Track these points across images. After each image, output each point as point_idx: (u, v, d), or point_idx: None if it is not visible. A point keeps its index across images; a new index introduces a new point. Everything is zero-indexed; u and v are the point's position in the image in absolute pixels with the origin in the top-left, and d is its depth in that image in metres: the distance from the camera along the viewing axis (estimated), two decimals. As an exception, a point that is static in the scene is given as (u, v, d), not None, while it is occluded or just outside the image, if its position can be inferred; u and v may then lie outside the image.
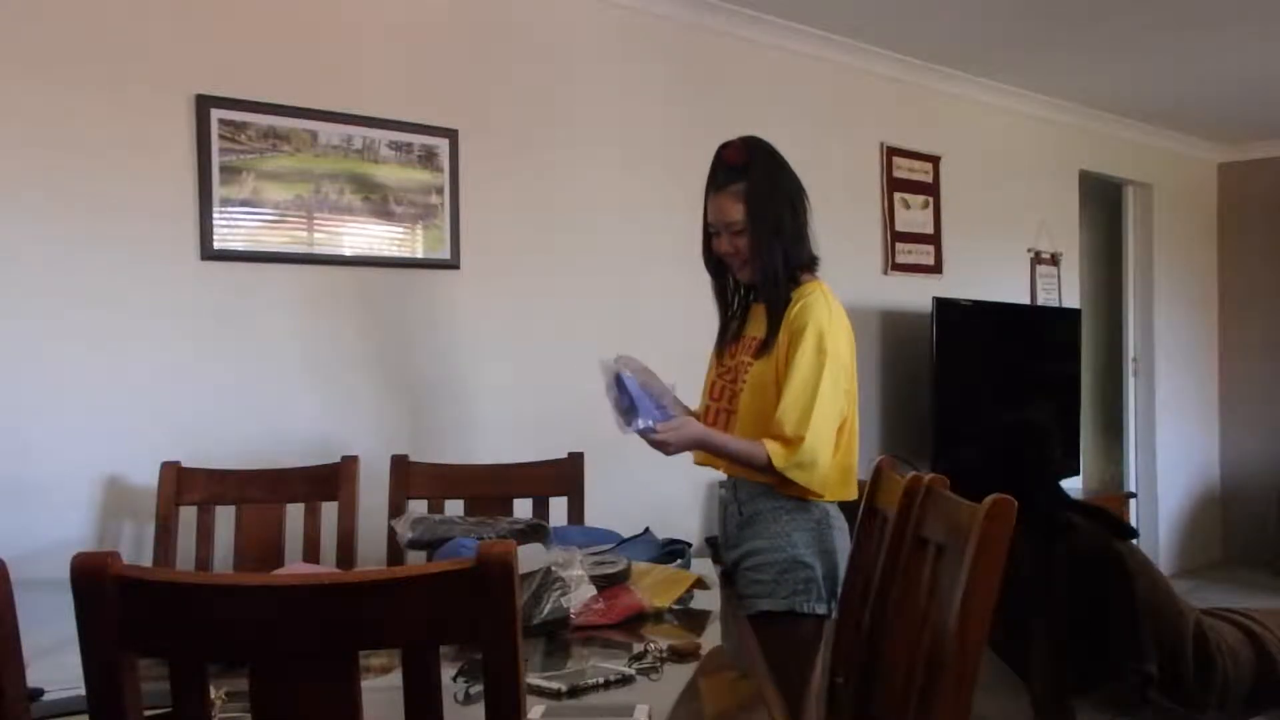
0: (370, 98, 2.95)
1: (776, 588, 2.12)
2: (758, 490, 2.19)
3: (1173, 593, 2.71)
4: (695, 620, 1.85)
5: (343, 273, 2.93)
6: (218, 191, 2.68)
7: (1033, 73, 4.83)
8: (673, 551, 2.19)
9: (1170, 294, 6.19)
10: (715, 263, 2.28)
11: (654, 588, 1.90)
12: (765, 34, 3.96)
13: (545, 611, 1.72)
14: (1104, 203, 6.21)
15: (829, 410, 2.08)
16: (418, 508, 2.47)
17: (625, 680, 1.46)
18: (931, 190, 4.71)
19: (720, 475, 2.32)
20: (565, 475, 2.62)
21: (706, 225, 2.24)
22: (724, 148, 2.20)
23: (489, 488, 2.60)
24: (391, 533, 2.49)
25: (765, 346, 2.16)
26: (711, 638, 1.75)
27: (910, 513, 1.67)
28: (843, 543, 2.15)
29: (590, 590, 1.78)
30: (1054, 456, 2.61)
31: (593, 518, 2.62)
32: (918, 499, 1.66)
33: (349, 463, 2.50)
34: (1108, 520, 2.71)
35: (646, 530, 2.32)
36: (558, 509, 2.60)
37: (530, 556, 1.85)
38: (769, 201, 2.16)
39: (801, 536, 2.12)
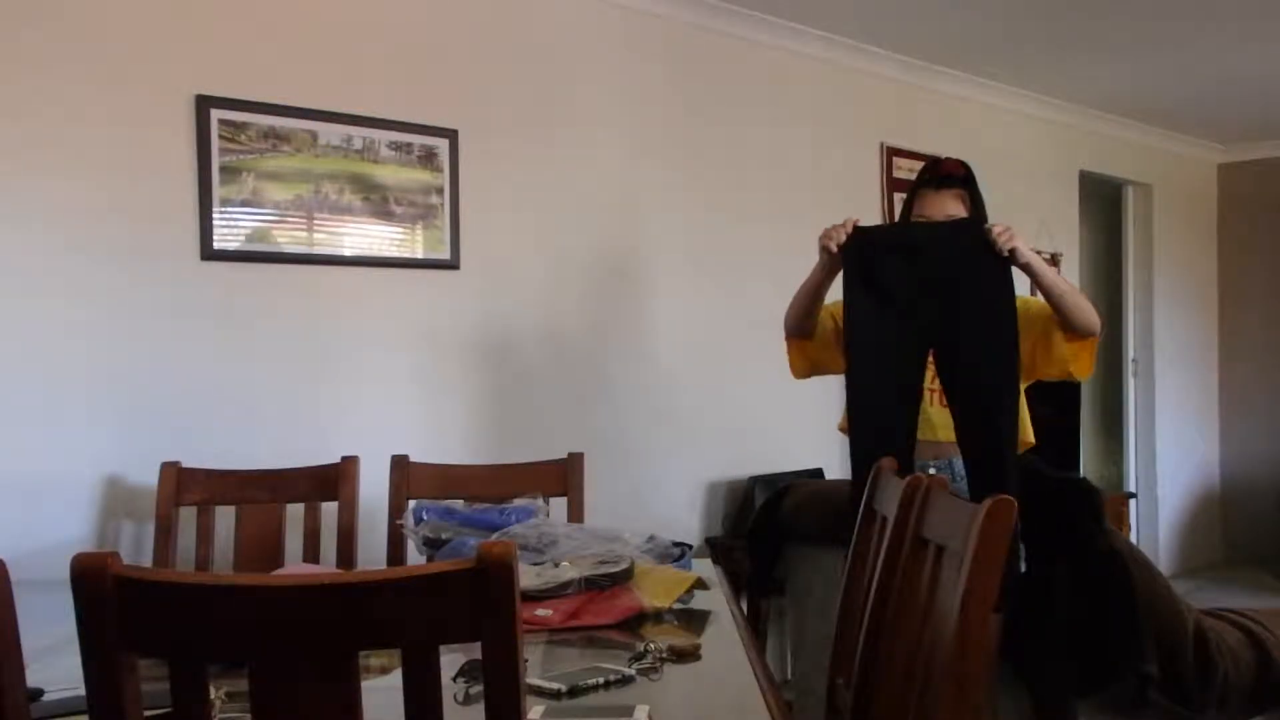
0: (370, 98, 2.95)
1: None
2: None
3: (1173, 593, 2.71)
4: (695, 620, 1.85)
5: (343, 273, 2.93)
6: (218, 191, 2.68)
7: (1033, 73, 4.83)
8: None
9: (1170, 294, 6.19)
10: None
11: (654, 588, 1.89)
12: (765, 34, 3.96)
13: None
14: (1104, 203, 6.21)
15: None
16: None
17: (625, 680, 1.46)
18: (931, 190, 4.70)
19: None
20: (565, 475, 2.62)
21: (909, 219, 2.44)
22: (944, 160, 2.46)
23: (489, 488, 2.60)
24: (391, 533, 2.49)
25: None
26: (711, 638, 1.75)
27: (910, 513, 1.67)
28: None
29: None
30: (1102, 514, 2.68)
31: (593, 518, 2.62)
32: (918, 499, 1.66)
33: (349, 463, 2.49)
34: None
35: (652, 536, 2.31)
36: (558, 509, 2.60)
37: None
38: (983, 210, 2.42)
39: None
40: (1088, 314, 2.29)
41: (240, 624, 0.98)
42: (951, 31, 4.16)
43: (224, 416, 2.72)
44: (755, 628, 3.23)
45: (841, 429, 2.46)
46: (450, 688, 1.34)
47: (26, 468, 2.43)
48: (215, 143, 2.67)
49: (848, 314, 2.33)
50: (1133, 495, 5.91)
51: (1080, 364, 2.35)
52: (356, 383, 2.95)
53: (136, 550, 2.56)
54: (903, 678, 1.55)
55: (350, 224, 2.93)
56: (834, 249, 2.29)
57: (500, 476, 2.64)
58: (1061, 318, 2.29)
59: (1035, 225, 5.30)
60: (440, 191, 3.09)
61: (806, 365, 2.54)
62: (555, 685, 1.42)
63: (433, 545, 2.10)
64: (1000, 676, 2.50)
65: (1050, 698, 2.63)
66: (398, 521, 2.35)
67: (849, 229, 2.28)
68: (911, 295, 2.26)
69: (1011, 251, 2.21)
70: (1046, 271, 2.28)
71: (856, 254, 2.30)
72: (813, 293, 2.40)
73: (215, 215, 2.68)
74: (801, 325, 2.47)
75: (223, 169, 2.69)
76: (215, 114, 2.67)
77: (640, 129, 3.62)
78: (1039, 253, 5.75)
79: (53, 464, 2.47)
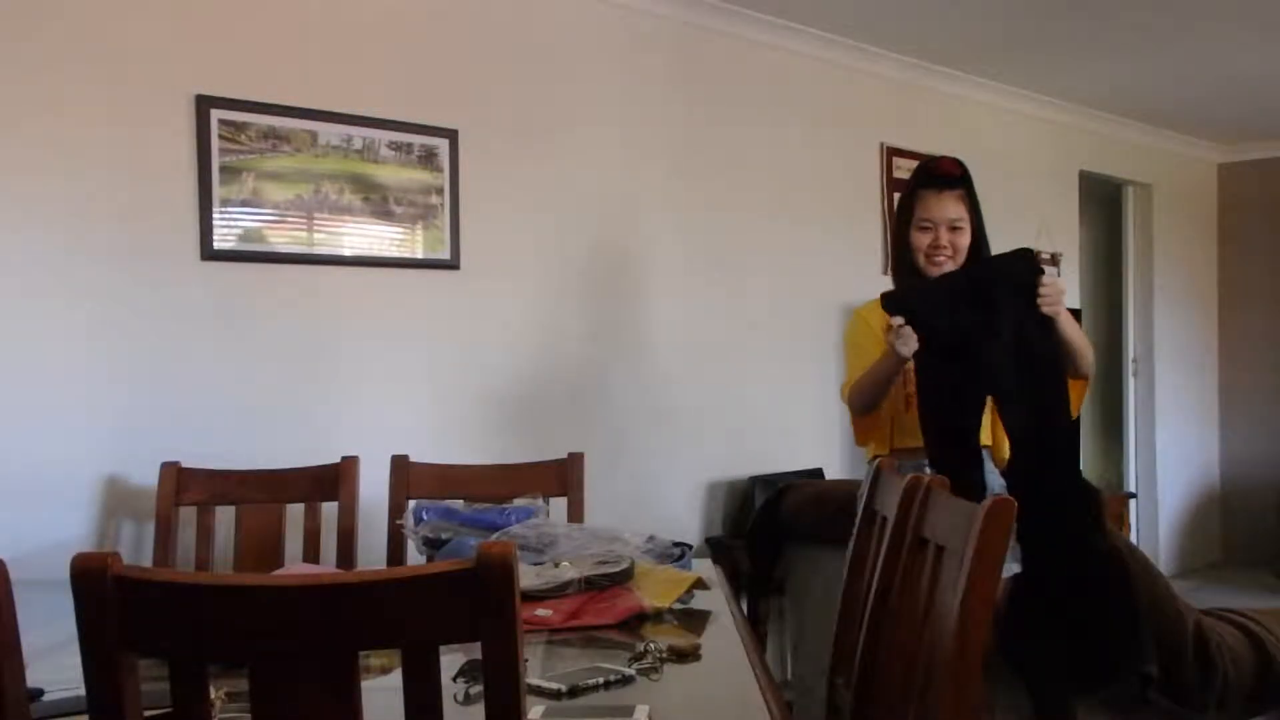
0: (370, 98, 2.95)
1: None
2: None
3: (1173, 593, 2.71)
4: (695, 620, 1.85)
5: (343, 273, 2.93)
6: (218, 191, 2.68)
7: (1033, 73, 4.83)
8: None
9: (1170, 294, 6.19)
10: (908, 264, 2.45)
11: (654, 588, 1.90)
12: (765, 34, 3.96)
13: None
14: (1104, 203, 6.21)
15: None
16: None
17: (625, 680, 1.46)
18: (932, 190, 4.70)
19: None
20: (565, 475, 2.62)
21: (910, 223, 2.40)
22: (940, 159, 2.44)
23: (489, 488, 2.60)
24: (391, 533, 2.49)
25: None
26: (711, 638, 1.75)
27: (910, 513, 1.67)
28: None
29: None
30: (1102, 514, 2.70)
31: (593, 518, 2.62)
32: (917, 499, 1.66)
33: (349, 463, 2.50)
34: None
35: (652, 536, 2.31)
36: (558, 509, 2.60)
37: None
38: (980, 210, 2.45)
39: None
40: (1088, 362, 2.35)
41: (240, 624, 0.98)
42: (951, 31, 4.16)
43: (224, 416, 2.72)
44: (755, 628, 3.23)
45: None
46: (450, 688, 1.34)
47: (26, 468, 2.43)
48: (215, 143, 2.67)
49: (918, 362, 2.29)
50: (1133, 495, 5.91)
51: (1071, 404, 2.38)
52: (356, 383, 2.95)
53: (136, 550, 2.56)
54: (903, 678, 1.55)
55: (350, 224, 2.93)
56: (907, 354, 2.22)
57: (500, 476, 2.64)
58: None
59: (1035, 225, 5.31)
60: (440, 191, 3.09)
61: (868, 436, 2.52)
62: (555, 685, 1.42)
63: (433, 545, 2.10)
64: (1000, 676, 2.50)
65: (1050, 698, 2.63)
66: (398, 521, 2.35)
67: (905, 328, 2.21)
68: (975, 340, 2.22)
69: (1049, 317, 2.21)
70: (1067, 328, 2.28)
71: (923, 318, 2.24)
72: (884, 384, 2.35)
73: (215, 215, 2.68)
74: (870, 406, 2.43)
75: (223, 169, 2.69)
76: (215, 114, 2.67)
77: (640, 129, 3.62)
78: (1039, 253, 5.75)
79: (53, 464, 2.47)
